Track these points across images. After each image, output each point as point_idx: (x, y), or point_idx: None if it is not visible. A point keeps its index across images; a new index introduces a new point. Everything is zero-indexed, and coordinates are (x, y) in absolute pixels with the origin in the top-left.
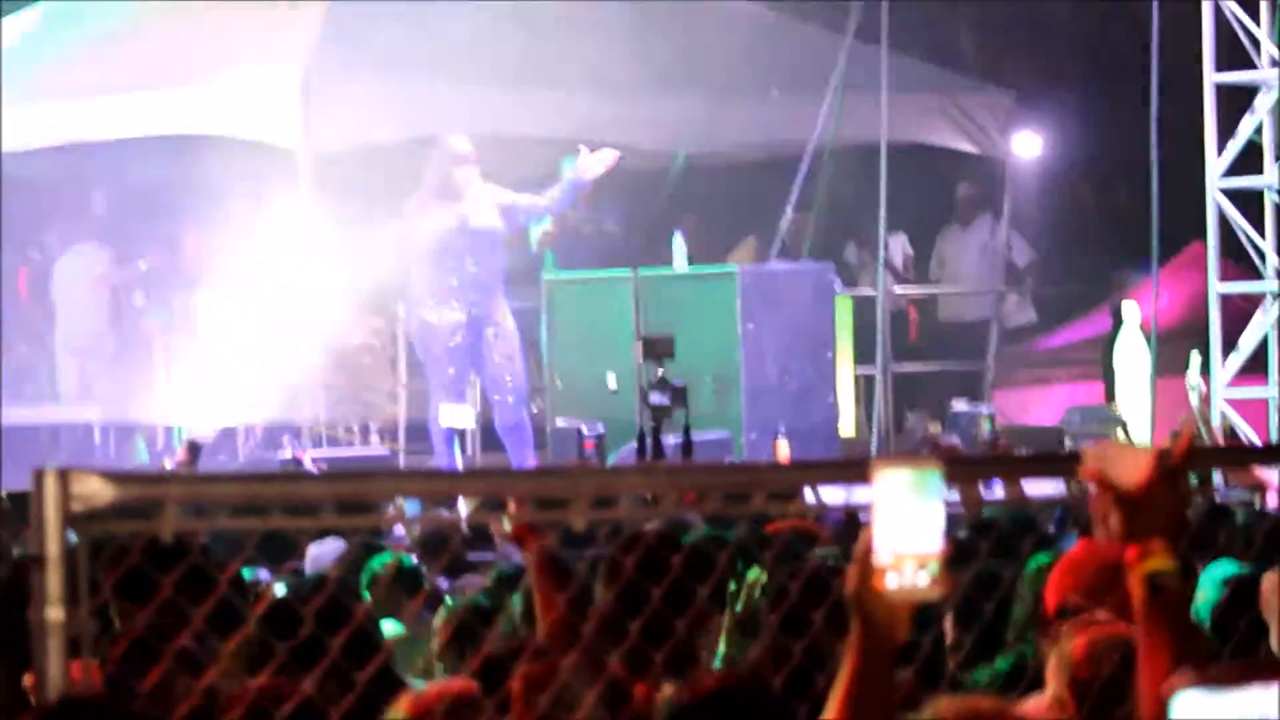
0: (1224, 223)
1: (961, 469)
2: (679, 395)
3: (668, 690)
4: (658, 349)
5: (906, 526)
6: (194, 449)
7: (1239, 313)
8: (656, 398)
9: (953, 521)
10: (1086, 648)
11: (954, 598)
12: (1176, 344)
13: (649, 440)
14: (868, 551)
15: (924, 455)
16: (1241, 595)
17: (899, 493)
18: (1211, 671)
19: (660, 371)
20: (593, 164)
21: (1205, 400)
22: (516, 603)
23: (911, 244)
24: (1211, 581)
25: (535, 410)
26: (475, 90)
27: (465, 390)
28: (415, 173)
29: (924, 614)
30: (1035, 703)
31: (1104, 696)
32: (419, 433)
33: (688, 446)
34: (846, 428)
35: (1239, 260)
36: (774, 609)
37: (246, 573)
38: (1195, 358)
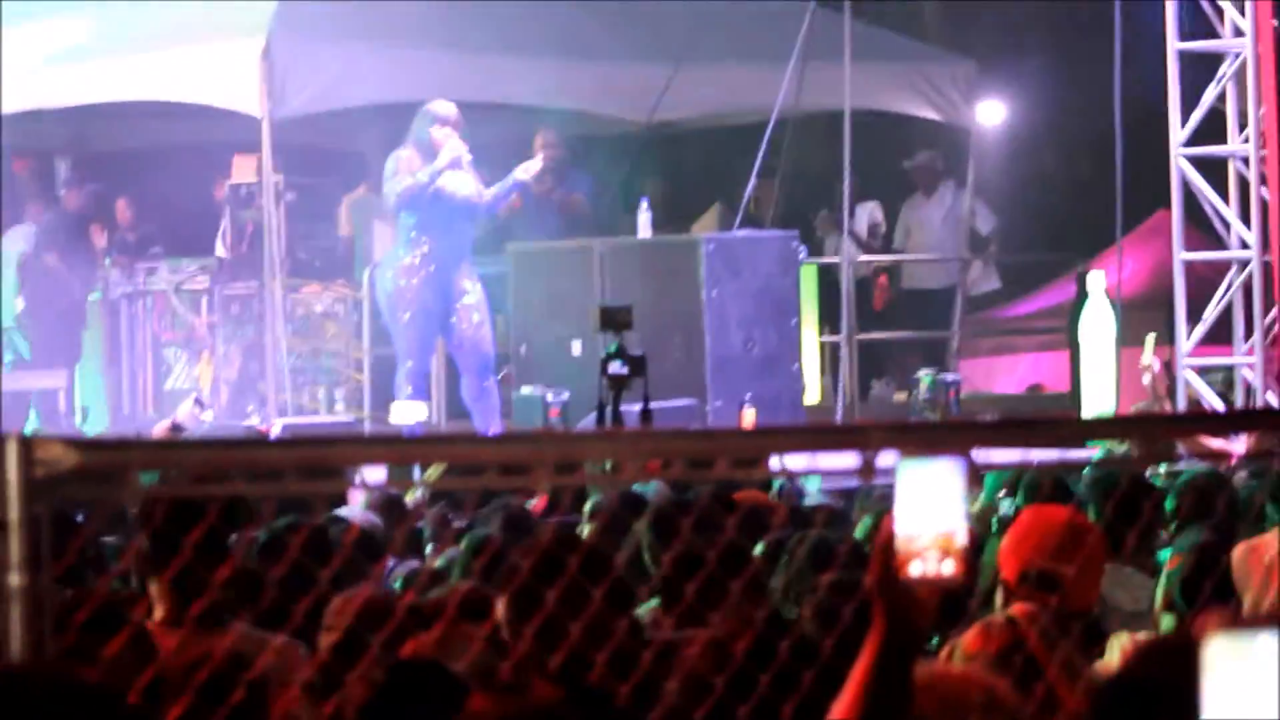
0: (1188, 191)
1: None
2: (638, 364)
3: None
4: (616, 319)
5: (928, 514)
6: (176, 430)
7: (1204, 281)
8: (615, 367)
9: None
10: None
11: None
12: (1142, 312)
13: (608, 410)
14: (889, 540)
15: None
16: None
17: (921, 481)
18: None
19: (618, 341)
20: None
21: (1160, 379)
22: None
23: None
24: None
25: (501, 378)
26: (438, 56)
27: (431, 358)
28: (383, 138)
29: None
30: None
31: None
32: (385, 399)
33: (647, 415)
34: (812, 396)
35: (1203, 228)
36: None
37: None
38: (1150, 339)
